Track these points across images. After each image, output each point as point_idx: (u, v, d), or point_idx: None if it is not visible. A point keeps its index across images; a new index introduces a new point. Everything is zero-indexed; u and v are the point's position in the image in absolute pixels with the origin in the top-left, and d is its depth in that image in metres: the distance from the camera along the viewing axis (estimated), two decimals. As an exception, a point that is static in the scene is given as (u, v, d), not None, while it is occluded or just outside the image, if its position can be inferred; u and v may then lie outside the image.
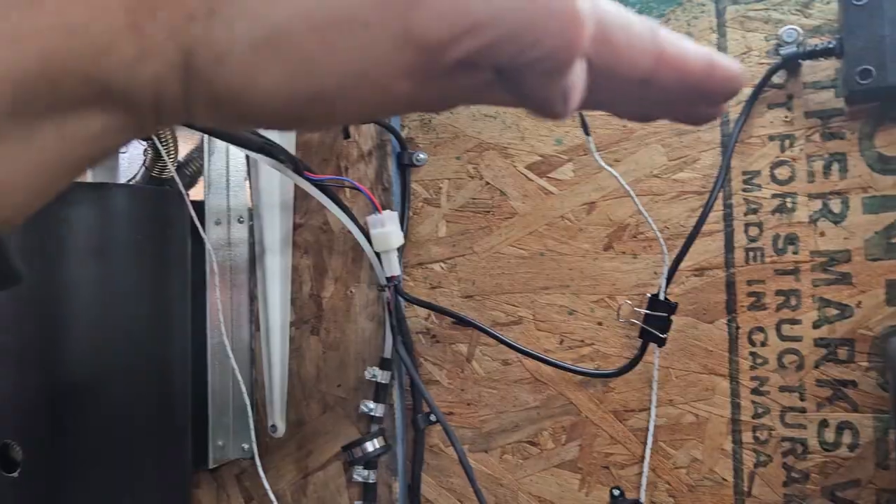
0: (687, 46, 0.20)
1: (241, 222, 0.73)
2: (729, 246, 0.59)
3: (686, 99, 0.21)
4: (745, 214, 0.59)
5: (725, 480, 0.59)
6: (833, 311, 0.56)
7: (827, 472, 0.56)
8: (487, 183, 0.68)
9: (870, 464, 0.55)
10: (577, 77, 0.19)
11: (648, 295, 0.59)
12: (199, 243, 0.70)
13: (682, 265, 0.59)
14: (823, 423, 0.56)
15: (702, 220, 0.57)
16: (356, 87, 0.18)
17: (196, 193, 0.74)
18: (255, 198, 0.72)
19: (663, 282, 0.58)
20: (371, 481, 0.66)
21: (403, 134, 0.71)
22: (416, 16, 0.17)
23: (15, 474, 0.58)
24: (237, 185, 0.73)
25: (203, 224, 0.70)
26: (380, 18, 0.17)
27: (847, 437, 0.55)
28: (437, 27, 0.17)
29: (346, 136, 0.62)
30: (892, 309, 0.54)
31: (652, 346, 0.59)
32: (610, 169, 0.51)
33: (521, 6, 0.16)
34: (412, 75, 0.18)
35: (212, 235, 0.72)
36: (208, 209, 0.72)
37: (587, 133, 0.48)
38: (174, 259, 0.67)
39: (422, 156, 0.70)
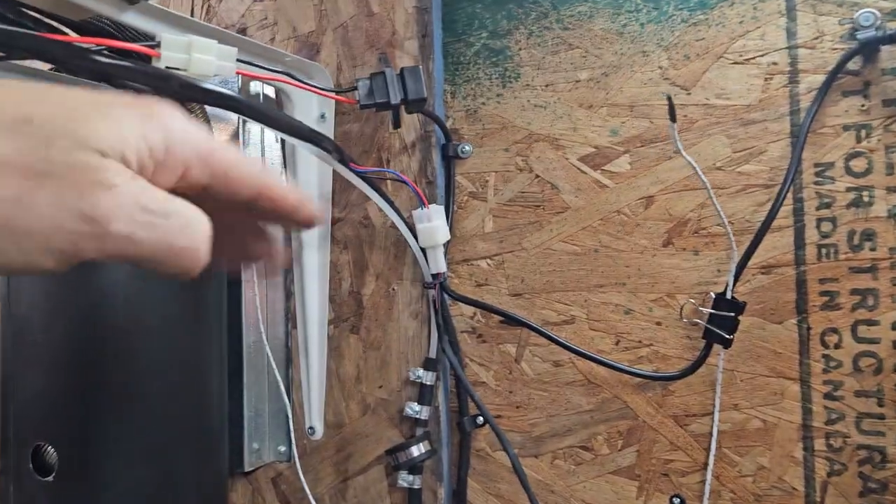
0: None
1: (277, 216, 0.71)
2: (799, 242, 0.56)
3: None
4: (818, 209, 0.56)
5: (796, 490, 0.55)
6: (914, 312, 0.53)
7: (907, 482, 0.53)
8: (537, 176, 0.65)
9: (953, 474, 0.52)
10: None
11: (713, 294, 0.56)
12: (234, 238, 0.67)
13: (749, 263, 0.55)
14: (904, 431, 0.53)
15: (772, 215, 0.54)
16: (28, 268, 0.25)
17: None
18: (293, 191, 0.69)
19: (731, 279, 0.55)
20: (416, 487, 0.63)
21: (448, 124, 0.68)
22: (109, 234, 0.25)
23: (50, 478, 0.55)
24: (274, 178, 0.70)
25: (239, 218, 0.68)
26: (62, 234, 0.24)
27: (928, 446, 0.52)
28: (116, 251, 0.25)
29: (396, 125, 0.59)
30: (978, 310, 0.51)
31: (716, 347, 0.56)
32: (689, 158, 0.48)
33: (166, 252, 0.26)
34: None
35: (248, 230, 0.69)
36: (244, 202, 0.70)
37: (673, 120, 0.45)
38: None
39: (467, 147, 0.67)
